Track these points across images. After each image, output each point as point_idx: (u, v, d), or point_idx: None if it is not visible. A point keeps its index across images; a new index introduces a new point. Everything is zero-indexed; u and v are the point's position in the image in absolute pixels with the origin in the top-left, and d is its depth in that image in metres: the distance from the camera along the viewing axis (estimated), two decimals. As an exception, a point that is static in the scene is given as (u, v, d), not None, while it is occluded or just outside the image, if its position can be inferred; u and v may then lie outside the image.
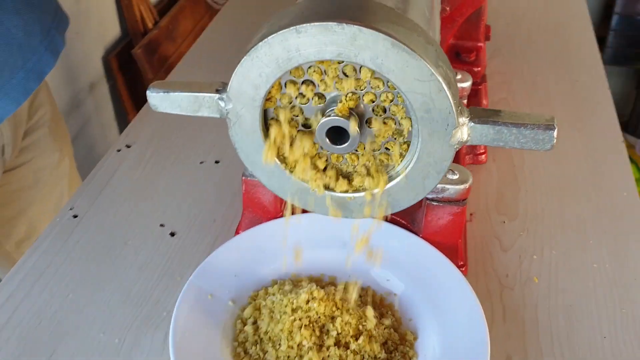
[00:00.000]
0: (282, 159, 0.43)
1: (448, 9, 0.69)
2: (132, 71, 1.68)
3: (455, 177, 0.53)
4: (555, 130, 0.39)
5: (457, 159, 0.67)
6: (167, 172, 0.67)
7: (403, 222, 0.57)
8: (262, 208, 0.57)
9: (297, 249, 0.53)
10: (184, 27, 1.84)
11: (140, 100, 1.72)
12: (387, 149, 0.42)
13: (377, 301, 0.52)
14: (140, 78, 1.68)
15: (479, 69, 0.76)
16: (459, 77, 0.65)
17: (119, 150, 0.70)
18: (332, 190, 0.43)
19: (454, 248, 0.55)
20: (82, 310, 0.53)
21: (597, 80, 0.83)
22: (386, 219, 0.56)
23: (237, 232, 0.58)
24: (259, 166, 0.43)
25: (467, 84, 0.65)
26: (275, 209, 0.57)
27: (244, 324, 0.49)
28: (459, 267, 0.55)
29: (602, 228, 0.61)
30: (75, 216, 0.62)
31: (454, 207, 0.53)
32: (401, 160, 0.42)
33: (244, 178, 0.55)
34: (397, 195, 0.42)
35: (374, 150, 0.42)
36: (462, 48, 0.76)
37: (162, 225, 0.61)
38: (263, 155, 0.41)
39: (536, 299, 0.55)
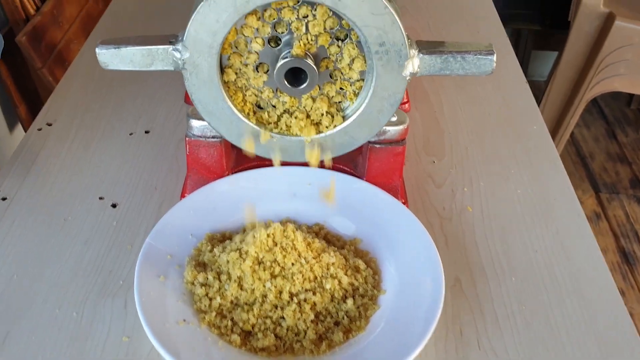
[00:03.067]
0: (240, 107, 0.43)
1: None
2: (16, 61, 1.57)
3: (394, 119, 0.56)
4: (495, 55, 0.42)
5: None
6: (96, 147, 0.65)
7: (346, 168, 0.59)
8: (207, 168, 0.57)
9: (249, 206, 0.54)
10: (69, 12, 1.74)
11: (29, 91, 1.62)
12: (341, 89, 0.43)
13: (334, 241, 0.54)
14: (27, 68, 1.58)
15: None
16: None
17: (39, 130, 0.66)
18: (292, 135, 0.44)
19: (395, 187, 0.58)
20: (30, 289, 0.50)
21: (495, 30, 0.90)
22: (330, 168, 0.58)
23: (182, 196, 0.58)
24: (216, 116, 0.43)
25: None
26: (220, 168, 0.57)
27: (194, 285, 0.49)
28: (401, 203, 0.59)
29: (520, 158, 0.67)
30: (4, 198, 0.58)
31: (395, 147, 0.56)
32: (355, 99, 0.44)
33: (187, 139, 0.55)
34: (354, 133, 0.44)
35: (328, 94, 0.43)
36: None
37: (101, 198, 0.59)
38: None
39: (472, 225, 0.59)
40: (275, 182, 0.57)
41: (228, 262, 0.48)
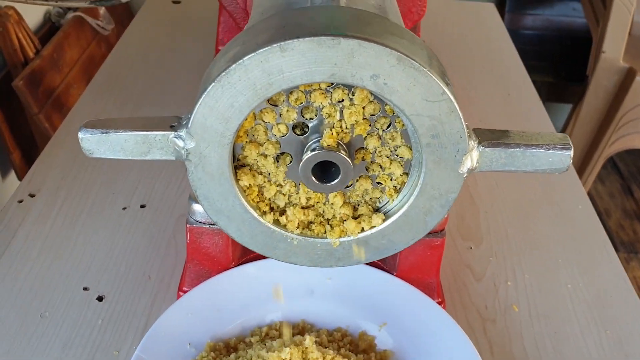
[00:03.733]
0: (254, 204, 0.35)
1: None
2: (12, 105, 1.50)
3: (431, 206, 0.48)
4: (572, 150, 0.34)
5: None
6: (84, 223, 0.56)
7: (375, 262, 0.51)
8: (211, 259, 0.48)
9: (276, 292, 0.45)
10: (70, 55, 1.68)
11: (24, 137, 1.55)
12: (379, 183, 0.35)
13: (359, 350, 0.45)
14: (23, 113, 1.51)
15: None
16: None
17: (20, 201, 0.58)
18: (317, 236, 0.36)
19: (431, 284, 0.50)
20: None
21: (527, 92, 0.83)
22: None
23: (179, 289, 0.49)
24: (225, 214, 0.35)
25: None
26: (226, 259, 0.48)
27: None
28: (437, 303, 0.50)
29: (567, 244, 0.59)
30: (-27, 289, 0.50)
31: (433, 239, 0.48)
32: (396, 196, 0.35)
33: (188, 225, 0.47)
34: (393, 236, 0.36)
35: (361, 188, 0.35)
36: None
37: (85, 288, 0.50)
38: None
39: (520, 328, 0.51)
40: (290, 275, 0.48)
41: (234, 386, 0.39)
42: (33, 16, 1.72)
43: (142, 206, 0.59)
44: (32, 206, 0.58)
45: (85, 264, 0.52)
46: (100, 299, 0.50)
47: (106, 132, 0.33)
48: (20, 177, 1.53)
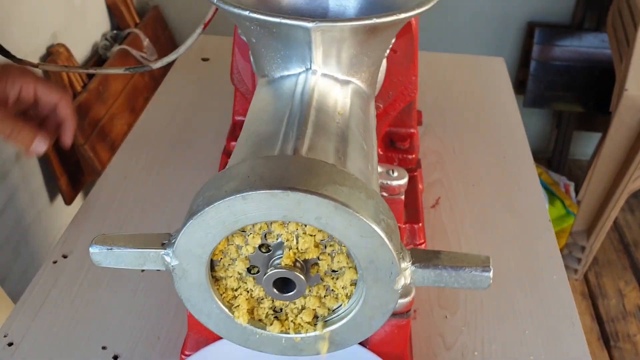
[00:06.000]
0: (229, 305, 0.43)
1: (382, 106, 0.72)
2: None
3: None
4: (491, 272, 0.41)
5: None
6: (106, 285, 0.66)
7: (350, 331, 0.58)
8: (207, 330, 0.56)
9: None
10: (114, 88, 1.81)
11: (71, 164, 1.67)
12: (333, 290, 0.43)
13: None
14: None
15: (413, 156, 0.78)
16: (395, 174, 0.67)
17: (54, 262, 0.68)
18: (280, 332, 0.44)
19: (400, 356, 0.56)
20: None
21: (523, 156, 0.88)
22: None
23: (182, 352, 0.57)
24: (205, 314, 0.43)
25: (403, 181, 0.68)
26: (222, 328, 0.56)
27: None
28: (406, 373, 0.57)
29: (537, 318, 0.64)
30: (10, 344, 0.59)
31: (399, 320, 0.55)
32: (348, 301, 0.43)
33: (188, 300, 0.55)
34: (345, 334, 0.43)
35: (318, 293, 0.42)
36: (396, 135, 0.79)
37: (104, 347, 0.59)
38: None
39: (481, 397, 0.57)
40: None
41: None
42: (82, 49, 1.84)
43: (158, 270, 0.67)
44: (64, 267, 0.67)
45: (106, 324, 0.61)
46: (115, 357, 0.58)
47: (110, 249, 0.41)
48: (67, 201, 1.66)
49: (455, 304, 0.66)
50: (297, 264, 0.41)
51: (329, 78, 0.52)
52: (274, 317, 0.44)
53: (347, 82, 0.52)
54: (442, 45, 1.70)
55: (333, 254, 0.41)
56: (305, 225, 0.39)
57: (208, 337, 0.57)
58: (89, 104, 1.71)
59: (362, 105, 0.53)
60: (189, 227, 0.38)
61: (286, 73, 0.52)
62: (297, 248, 0.40)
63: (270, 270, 0.40)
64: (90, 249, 0.41)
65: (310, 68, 0.51)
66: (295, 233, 0.40)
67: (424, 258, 0.41)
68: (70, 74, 1.69)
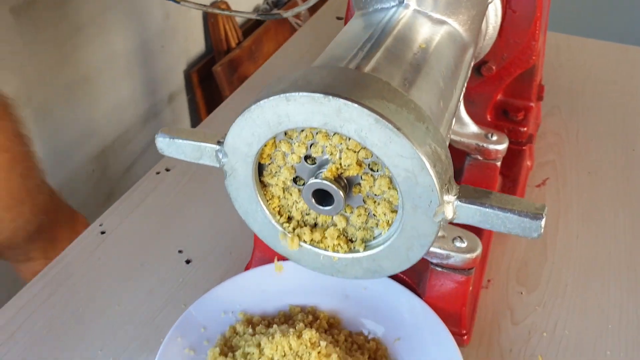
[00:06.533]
0: (274, 212, 0.44)
1: (494, 67, 0.68)
2: (211, 87, 1.75)
3: (463, 245, 0.52)
4: (543, 220, 0.37)
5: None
6: (196, 200, 0.70)
7: (409, 281, 0.56)
8: (271, 250, 0.58)
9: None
10: (266, 49, 1.89)
11: (215, 114, 1.78)
12: (374, 215, 0.42)
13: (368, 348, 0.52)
14: (218, 94, 1.75)
15: (526, 129, 0.73)
16: (494, 138, 0.64)
17: (158, 173, 0.73)
18: (321, 248, 0.44)
19: (457, 315, 0.54)
20: (88, 325, 0.56)
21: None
22: (393, 276, 0.56)
23: (246, 269, 0.59)
24: (251, 216, 0.44)
25: (502, 147, 0.64)
26: (283, 252, 0.58)
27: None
28: (461, 335, 0.54)
29: (627, 315, 0.58)
30: (102, 232, 0.65)
31: (457, 275, 0.52)
32: (388, 228, 0.42)
33: (256, 218, 0.57)
34: (382, 262, 0.42)
35: (360, 216, 0.42)
36: (510, 106, 0.74)
37: (180, 251, 0.63)
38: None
39: (536, 381, 0.53)
40: (332, 278, 0.56)
41: (247, 354, 0.48)
42: (244, 8, 1.95)
43: (213, 166, 0.71)
44: (165, 178, 0.73)
45: (186, 232, 0.66)
46: (188, 261, 0.62)
47: (173, 139, 0.44)
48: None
49: (535, 282, 0.61)
50: (340, 181, 0.40)
51: (422, 15, 0.50)
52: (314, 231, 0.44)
53: (441, 22, 0.51)
54: (591, 31, 1.55)
55: (375, 176, 0.40)
56: (349, 140, 0.39)
57: (270, 258, 0.58)
58: (241, 61, 1.82)
59: (454, 48, 0.51)
60: (236, 125, 0.40)
61: (379, 6, 0.51)
62: (339, 163, 0.40)
63: (311, 180, 0.40)
64: (156, 136, 0.45)
65: (404, 2, 0.50)
66: (340, 147, 0.39)
67: (472, 195, 0.39)
68: (228, 30, 1.81)
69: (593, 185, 0.73)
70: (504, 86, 0.71)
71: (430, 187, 0.37)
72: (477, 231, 0.50)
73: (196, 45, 1.75)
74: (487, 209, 0.38)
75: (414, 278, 0.56)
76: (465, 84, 0.53)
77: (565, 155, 0.78)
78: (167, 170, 0.74)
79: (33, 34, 1.17)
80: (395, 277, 0.56)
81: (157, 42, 1.57)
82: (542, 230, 0.37)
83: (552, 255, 0.64)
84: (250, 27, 1.91)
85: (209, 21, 1.71)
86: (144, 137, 1.57)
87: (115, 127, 1.47)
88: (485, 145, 0.64)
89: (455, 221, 0.39)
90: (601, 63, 0.97)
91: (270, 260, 0.58)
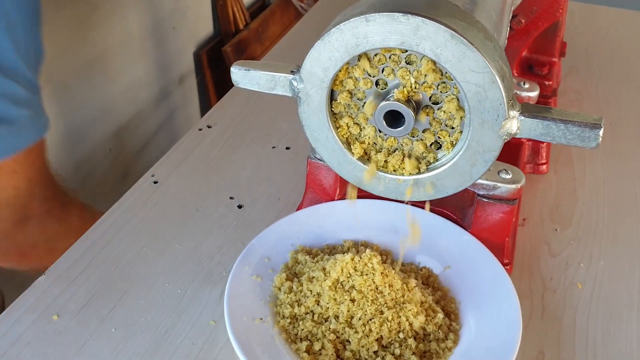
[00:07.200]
0: (343, 139, 0.47)
1: (523, 21, 0.72)
2: (220, 68, 1.78)
3: (509, 176, 0.55)
4: (602, 130, 0.41)
5: (517, 165, 0.69)
6: (241, 153, 0.73)
7: (454, 216, 0.60)
8: (323, 190, 0.61)
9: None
10: (272, 31, 1.92)
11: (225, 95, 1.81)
12: (439, 137, 0.45)
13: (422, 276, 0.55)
14: (227, 75, 1.77)
15: (550, 82, 0.77)
16: (526, 86, 0.67)
17: (200, 130, 0.76)
18: (387, 172, 0.47)
19: (500, 246, 0.57)
20: (152, 262, 0.59)
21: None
22: (438, 213, 0.59)
23: (297, 209, 0.63)
24: (322, 143, 0.48)
25: (533, 94, 0.67)
26: (333, 191, 0.61)
27: (279, 290, 0.53)
28: (504, 264, 0.57)
29: (655, 247, 0.61)
30: (155, 182, 0.68)
31: (504, 205, 0.56)
32: (452, 148, 0.45)
33: (309, 160, 0.60)
34: (445, 181, 0.46)
35: (425, 139, 0.45)
36: (535, 61, 0.78)
37: (231, 197, 0.66)
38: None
39: (577, 303, 0.56)
40: (381, 214, 0.59)
41: (313, 278, 0.52)
42: (251, -7, 1.97)
43: (287, 148, 0.74)
44: (208, 134, 0.75)
45: (235, 181, 0.69)
46: (240, 206, 0.65)
47: (247, 70, 0.47)
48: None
49: (568, 219, 0.65)
50: (410, 103, 0.43)
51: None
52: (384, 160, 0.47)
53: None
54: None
55: (444, 97, 0.43)
56: (422, 60, 0.42)
57: (321, 198, 0.61)
58: (248, 42, 1.84)
59: (499, -9, 0.54)
60: (315, 49, 0.43)
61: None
62: (410, 85, 0.43)
63: (382, 103, 0.43)
64: (231, 68, 0.48)
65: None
66: (412, 69, 0.43)
67: (534, 110, 0.42)
68: (236, 12, 1.83)
69: (616, 134, 0.77)
70: (531, 40, 0.74)
71: (499, 101, 0.41)
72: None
73: (205, 27, 1.77)
74: (549, 122, 0.41)
75: (459, 213, 0.60)
76: (509, 27, 0.57)
77: (586, 110, 0.82)
78: (209, 127, 0.77)
79: (53, 12, 1.19)
80: (441, 214, 0.59)
81: (169, 24, 1.59)
82: (600, 139, 0.41)
83: (583, 197, 0.68)
84: (256, 10, 1.94)
85: (218, 3, 1.73)
86: (157, 118, 1.60)
87: (130, 107, 1.49)
88: (518, 92, 0.67)
89: (518, 136, 0.43)
90: (617, 28, 1.01)
91: (321, 201, 0.61)
